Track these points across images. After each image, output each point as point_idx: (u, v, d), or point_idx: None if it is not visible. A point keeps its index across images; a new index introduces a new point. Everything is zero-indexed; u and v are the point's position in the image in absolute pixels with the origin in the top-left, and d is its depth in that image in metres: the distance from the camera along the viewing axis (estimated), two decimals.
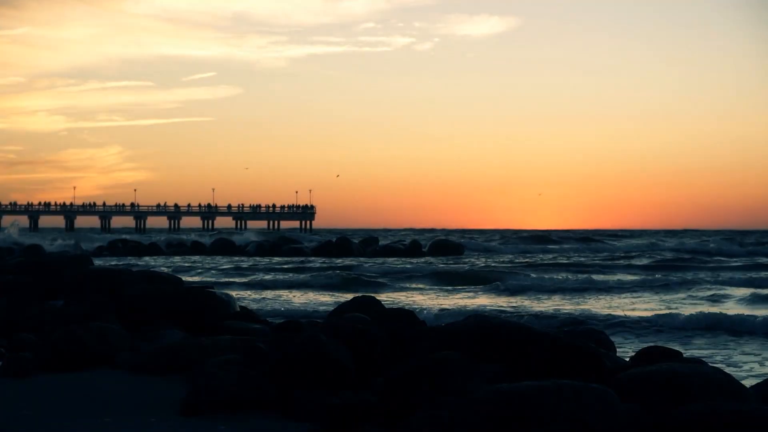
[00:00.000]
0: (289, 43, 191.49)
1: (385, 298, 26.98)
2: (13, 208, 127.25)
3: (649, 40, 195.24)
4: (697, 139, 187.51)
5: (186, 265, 50.65)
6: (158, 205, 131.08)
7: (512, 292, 30.39)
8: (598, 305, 25.65)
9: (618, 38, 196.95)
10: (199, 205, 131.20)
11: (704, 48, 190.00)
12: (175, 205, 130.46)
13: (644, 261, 53.67)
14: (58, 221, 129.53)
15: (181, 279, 19.29)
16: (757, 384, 9.48)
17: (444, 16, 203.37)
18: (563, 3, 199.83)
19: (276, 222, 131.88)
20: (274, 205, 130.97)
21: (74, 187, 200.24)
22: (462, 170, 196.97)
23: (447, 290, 32.36)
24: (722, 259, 57.15)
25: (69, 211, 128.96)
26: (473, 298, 29.06)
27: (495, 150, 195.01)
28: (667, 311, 22.54)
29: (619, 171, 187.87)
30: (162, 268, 42.20)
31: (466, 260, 57.56)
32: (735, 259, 56.02)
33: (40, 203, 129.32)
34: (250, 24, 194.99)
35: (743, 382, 9.48)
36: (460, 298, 28.78)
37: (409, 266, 46.46)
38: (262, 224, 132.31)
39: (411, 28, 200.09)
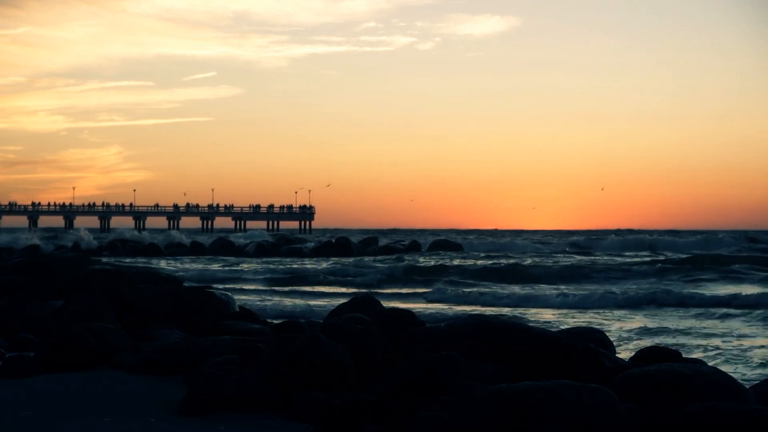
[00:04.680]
0: (289, 43, 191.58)
1: None
2: (13, 208, 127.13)
3: (649, 40, 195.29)
4: (697, 139, 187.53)
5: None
6: (156, 206, 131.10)
7: None
8: None
9: (618, 38, 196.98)
10: (198, 206, 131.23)
11: (704, 48, 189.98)
12: (174, 205, 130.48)
13: None
14: (58, 221, 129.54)
15: (180, 279, 19.30)
16: (756, 384, 9.51)
17: (445, 15, 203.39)
18: (563, 3, 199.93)
19: (275, 222, 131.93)
20: (272, 206, 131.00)
21: (74, 188, 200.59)
22: (462, 170, 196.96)
23: None
24: None
25: (68, 211, 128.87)
26: None
27: (495, 150, 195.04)
28: None
29: (619, 171, 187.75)
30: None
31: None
32: None
33: (39, 203, 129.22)
34: (251, 24, 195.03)
35: None
36: None
37: None
38: (262, 224, 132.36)
39: (412, 28, 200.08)
